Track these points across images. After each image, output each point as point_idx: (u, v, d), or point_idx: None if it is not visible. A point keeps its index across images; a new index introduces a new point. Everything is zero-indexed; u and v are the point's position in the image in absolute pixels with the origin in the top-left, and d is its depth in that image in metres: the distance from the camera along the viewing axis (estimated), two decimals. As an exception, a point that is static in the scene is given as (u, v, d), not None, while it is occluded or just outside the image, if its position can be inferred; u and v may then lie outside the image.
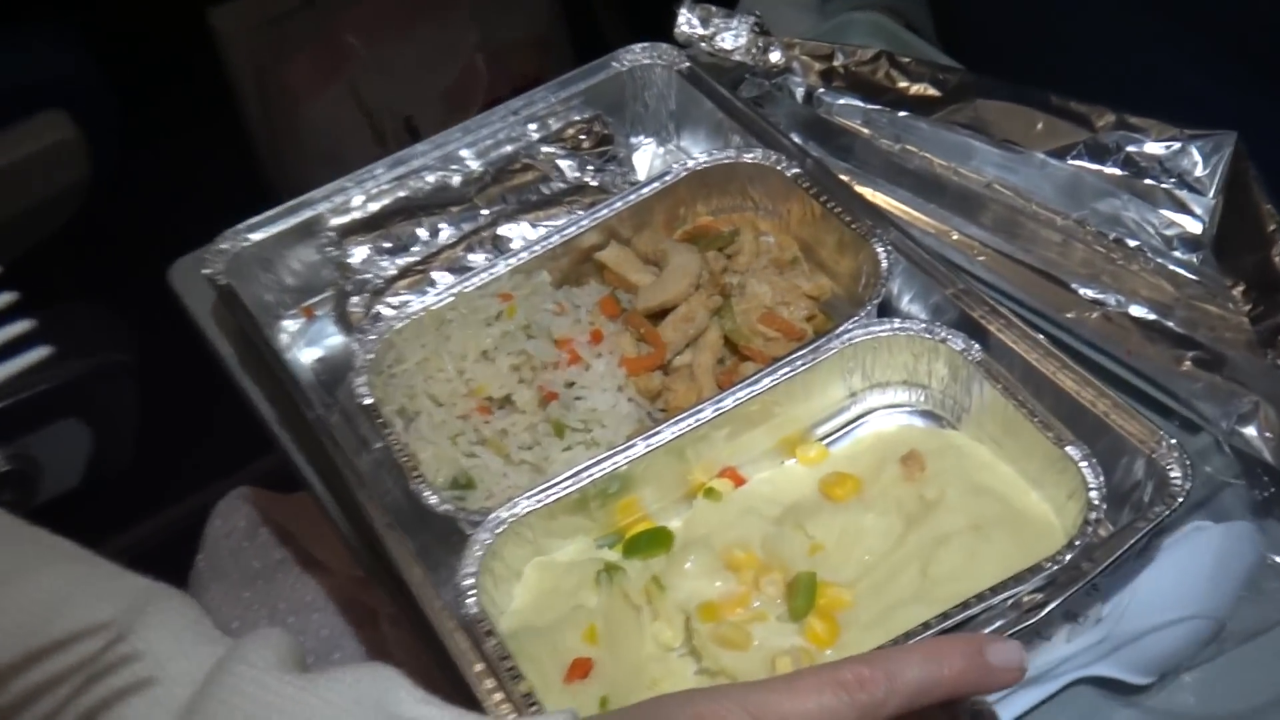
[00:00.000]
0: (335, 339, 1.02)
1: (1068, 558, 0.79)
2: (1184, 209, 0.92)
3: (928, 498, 0.87)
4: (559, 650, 0.81)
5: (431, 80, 2.02)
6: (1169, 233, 0.93)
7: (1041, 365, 0.89)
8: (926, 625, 0.76)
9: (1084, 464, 0.83)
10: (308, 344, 1.03)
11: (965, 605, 0.77)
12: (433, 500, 0.86)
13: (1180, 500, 0.81)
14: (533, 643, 0.81)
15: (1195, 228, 0.92)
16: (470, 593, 0.80)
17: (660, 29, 1.09)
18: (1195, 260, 0.92)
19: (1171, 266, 0.94)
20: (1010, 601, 0.78)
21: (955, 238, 1.01)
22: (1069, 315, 0.96)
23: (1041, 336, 0.91)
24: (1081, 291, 0.96)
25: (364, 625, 1.19)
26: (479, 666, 0.77)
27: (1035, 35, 1.19)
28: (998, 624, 0.78)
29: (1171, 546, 0.88)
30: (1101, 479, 0.82)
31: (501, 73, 2.03)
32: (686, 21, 1.09)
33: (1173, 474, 0.82)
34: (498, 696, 0.77)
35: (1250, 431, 0.89)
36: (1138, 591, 0.87)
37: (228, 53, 2.01)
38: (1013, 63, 1.18)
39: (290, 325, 1.03)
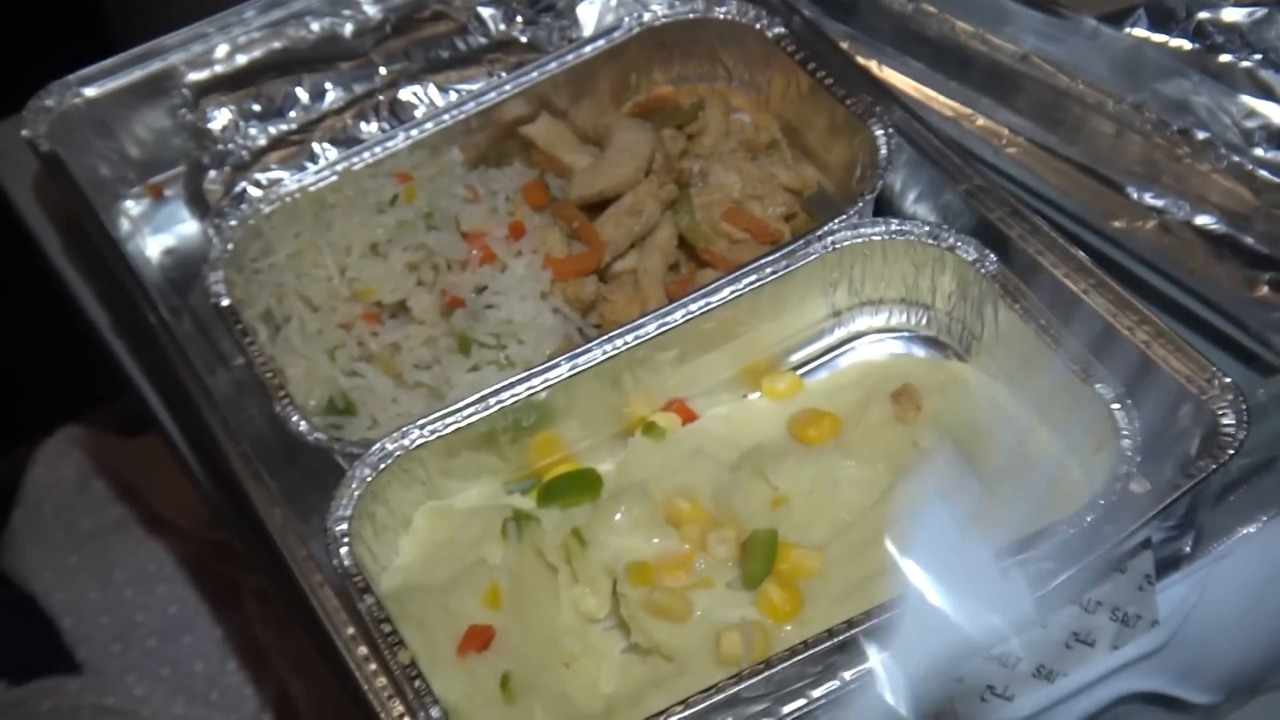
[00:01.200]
0: (188, 225, 1.04)
1: (1088, 520, 0.81)
2: (1269, 94, 0.94)
3: (923, 444, 0.90)
4: (453, 615, 0.84)
5: None
6: (1249, 124, 0.95)
7: (1072, 282, 0.91)
8: (877, 607, 0.78)
9: (1116, 406, 0.86)
10: (154, 231, 1.05)
11: None
12: (302, 427, 0.89)
13: (1231, 453, 0.83)
14: (421, 605, 0.84)
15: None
16: (344, 541, 0.83)
17: None
18: (1278, 158, 0.94)
19: (1250, 166, 0.95)
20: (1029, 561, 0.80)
21: (980, 123, 1.03)
22: (1118, 224, 0.98)
23: (1078, 251, 0.93)
24: (1136, 195, 0.98)
25: (221, 601, 1.23)
26: (350, 630, 0.81)
27: None
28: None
29: (1249, 540, 0.89)
30: (1137, 425, 0.85)
31: None
32: None
33: (1225, 421, 0.84)
34: (372, 667, 0.79)
35: None
36: (1206, 591, 0.89)
37: None
38: None
39: (133, 207, 1.04)
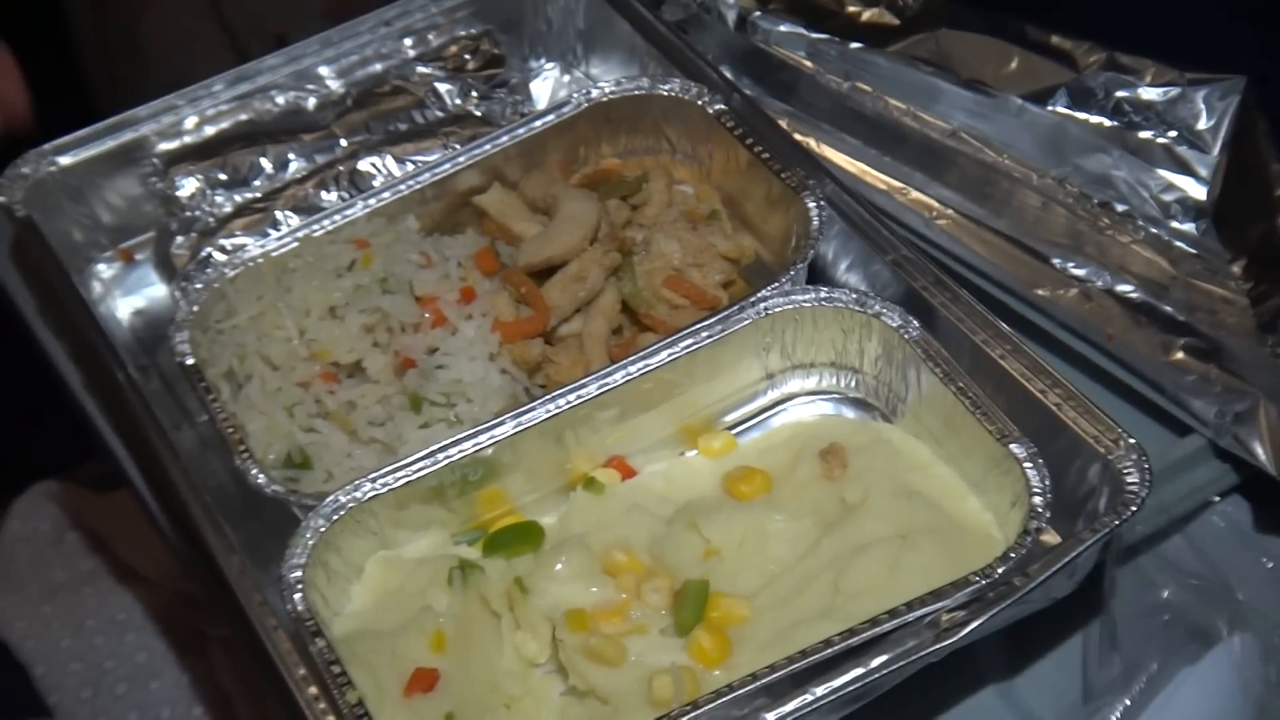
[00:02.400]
0: (157, 288, 1.07)
1: (1000, 571, 0.85)
2: (1184, 168, 0.96)
3: (849, 500, 0.93)
4: (400, 658, 0.86)
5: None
6: (1166, 197, 0.97)
7: (989, 348, 0.94)
8: (828, 643, 0.82)
9: (1029, 465, 0.89)
10: (124, 293, 1.08)
11: (875, 622, 0.83)
12: (260, 480, 0.92)
13: (1134, 509, 0.86)
14: (371, 648, 0.86)
15: (1197, 191, 0.96)
16: (297, 587, 0.86)
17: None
18: (1195, 230, 0.96)
19: (1167, 237, 0.97)
20: (928, 620, 0.84)
21: (913, 196, 1.06)
22: (1041, 292, 1.01)
23: (996, 319, 0.95)
24: (1060, 265, 1.01)
25: (188, 649, 1.24)
26: (301, 671, 0.84)
27: None
28: (910, 644, 0.83)
29: (1189, 679, 0.91)
30: (1048, 483, 0.88)
31: None
32: None
33: (1129, 479, 0.87)
34: (321, 706, 0.82)
35: (1248, 434, 0.93)
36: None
37: None
38: None
39: (104, 270, 1.06)
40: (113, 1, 1.99)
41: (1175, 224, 0.97)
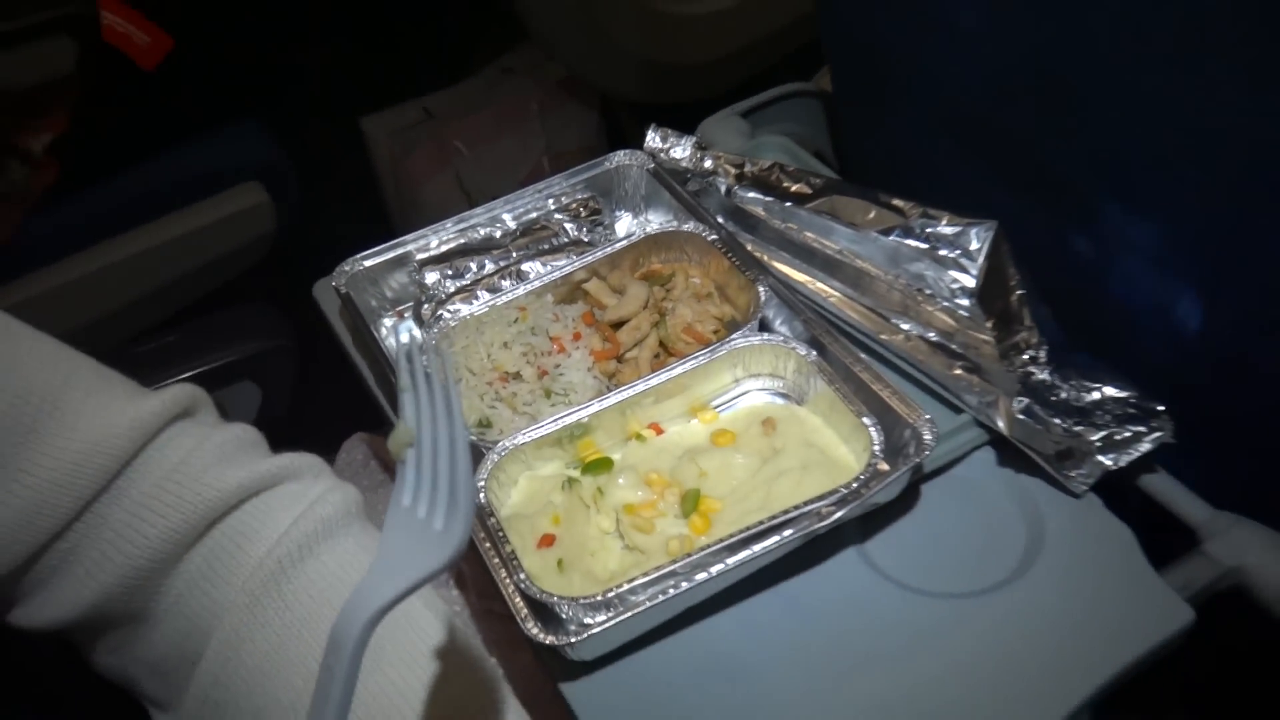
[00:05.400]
0: (415, 335, 1.06)
1: (854, 485, 0.85)
2: (963, 270, 0.94)
3: (775, 447, 0.93)
4: (535, 529, 0.87)
5: (511, 173, 2.00)
6: (954, 286, 0.95)
7: (854, 367, 0.94)
8: (761, 524, 0.82)
9: (873, 429, 0.89)
10: (397, 335, 1.05)
11: (786, 513, 0.84)
12: (468, 434, 0.92)
13: (928, 453, 0.87)
14: (519, 524, 0.87)
15: (969, 283, 0.93)
16: (480, 490, 0.88)
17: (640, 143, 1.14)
18: (967, 305, 0.94)
19: (954, 309, 0.95)
20: (814, 511, 0.84)
21: (817, 286, 1.05)
22: (884, 337, 1.00)
23: (859, 350, 0.96)
24: (894, 322, 1.00)
25: None
26: (482, 533, 0.85)
27: (882, 158, 1.21)
28: (805, 525, 0.84)
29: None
30: (883, 439, 0.89)
31: (560, 170, 2.02)
32: (652, 139, 1.13)
33: (926, 437, 0.88)
34: (494, 555, 0.84)
35: (993, 413, 0.93)
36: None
37: (372, 148, 2.06)
38: (870, 175, 1.23)
39: (386, 322, 1.07)
40: (404, 179, 2.00)
41: (958, 301, 0.94)
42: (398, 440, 0.58)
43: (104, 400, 0.59)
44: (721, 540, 0.82)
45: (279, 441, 0.75)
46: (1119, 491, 0.91)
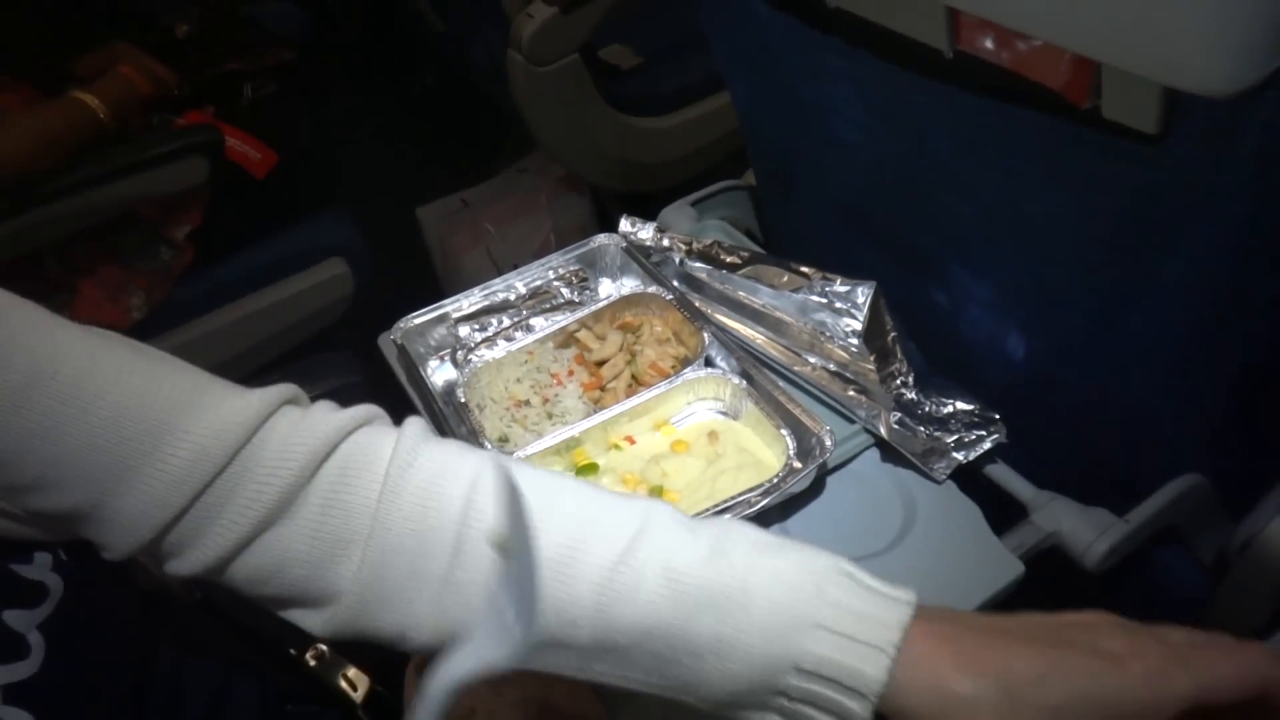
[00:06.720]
0: (451, 373, 1.06)
1: (775, 480, 0.87)
2: (852, 318, 0.94)
3: (718, 452, 0.94)
4: None
5: (528, 246, 2.03)
6: (846, 330, 0.95)
7: (774, 392, 0.95)
8: (707, 510, 0.83)
9: (789, 437, 0.90)
10: (440, 375, 1.07)
11: (726, 501, 0.85)
12: (487, 448, 0.93)
13: (830, 454, 0.88)
14: None
15: (857, 327, 0.94)
16: None
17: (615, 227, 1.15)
18: (856, 344, 0.95)
19: (847, 346, 0.96)
20: (746, 499, 0.86)
21: (748, 332, 1.05)
22: (796, 369, 1.01)
23: (778, 379, 0.97)
24: (804, 356, 1.00)
25: None
26: None
27: (792, 235, 1.22)
28: (740, 510, 0.84)
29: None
30: (796, 444, 0.90)
31: (561, 244, 2.02)
32: (624, 225, 1.13)
33: (827, 442, 0.89)
34: None
35: (877, 423, 0.94)
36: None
37: (426, 231, 2.07)
38: (784, 248, 1.24)
39: (432, 364, 1.07)
40: (449, 253, 1.99)
41: (850, 341, 0.94)
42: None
43: (235, 390, 0.59)
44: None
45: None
46: (970, 478, 0.93)
